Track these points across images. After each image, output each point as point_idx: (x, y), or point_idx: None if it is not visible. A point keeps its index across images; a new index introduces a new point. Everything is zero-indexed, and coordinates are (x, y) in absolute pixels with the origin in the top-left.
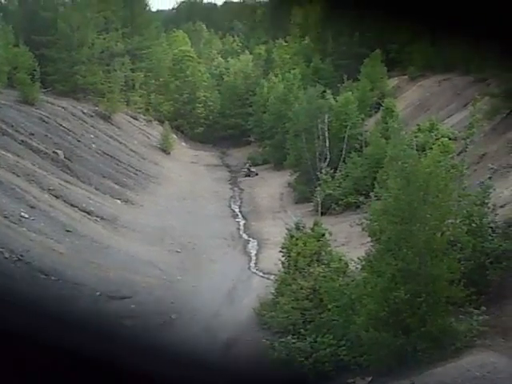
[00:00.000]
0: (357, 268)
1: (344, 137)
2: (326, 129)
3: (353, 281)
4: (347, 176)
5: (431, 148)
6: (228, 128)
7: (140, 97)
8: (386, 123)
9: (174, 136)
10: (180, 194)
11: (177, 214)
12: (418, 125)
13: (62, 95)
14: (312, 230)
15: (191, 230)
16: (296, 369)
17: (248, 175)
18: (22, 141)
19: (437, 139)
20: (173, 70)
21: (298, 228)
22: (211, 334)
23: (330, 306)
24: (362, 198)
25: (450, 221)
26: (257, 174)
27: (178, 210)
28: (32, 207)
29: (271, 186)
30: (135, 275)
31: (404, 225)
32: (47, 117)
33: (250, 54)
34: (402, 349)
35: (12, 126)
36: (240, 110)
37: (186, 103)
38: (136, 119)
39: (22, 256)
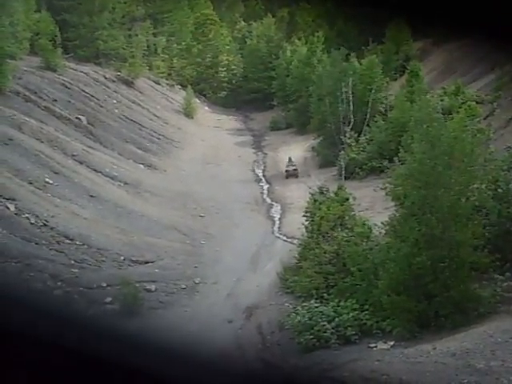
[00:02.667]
0: (380, 233)
1: (368, 100)
2: (350, 92)
3: (376, 245)
4: (371, 140)
5: (457, 112)
6: (251, 92)
7: (162, 61)
8: (411, 86)
9: (197, 100)
10: (203, 159)
11: (200, 178)
12: (443, 88)
13: (84, 61)
14: (335, 194)
15: (214, 195)
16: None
17: (293, 174)
18: (45, 107)
19: (463, 103)
20: (195, 33)
21: (321, 192)
22: (234, 298)
23: (353, 271)
24: (386, 163)
25: (475, 186)
26: (295, 170)
27: (201, 174)
28: (56, 173)
29: (294, 151)
30: (158, 240)
31: (428, 189)
32: (70, 83)
33: (273, 17)
34: (424, 314)
35: (35, 92)
36: (263, 74)
37: (209, 67)
38: (158, 84)
39: (47, 221)
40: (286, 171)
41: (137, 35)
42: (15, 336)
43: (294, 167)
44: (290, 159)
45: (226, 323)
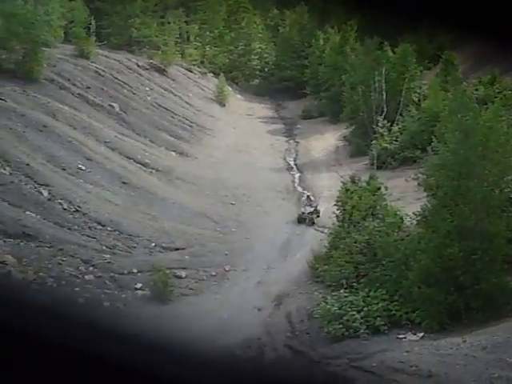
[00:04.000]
0: (412, 223)
1: (401, 89)
2: (383, 81)
3: (407, 236)
4: (404, 130)
5: (492, 102)
6: (283, 80)
7: (195, 49)
8: (446, 76)
9: (229, 88)
10: (235, 147)
11: (231, 166)
12: (478, 77)
13: (117, 48)
14: (367, 183)
15: (246, 183)
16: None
17: (308, 219)
18: (79, 94)
19: (499, 92)
20: (228, 21)
21: (353, 181)
22: (264, 286)
23: (383, 261)
24: (418, 153)
25: (509, 177)
26: (318, 216)
27: (232, 162)
28: (89, 159)
29: (326, 139)
30: (189, 227)
31: (461, 180)
32: (103, 70)
33: (306, 4)
34: (455, 306)
35: (68, 79)
36: (295, 62)
37: (241, 55)
38: (191, 71)
39: (79, 207)
40: (301, 214)
41: (169, 23)
42: (15, 336)
43: (313, 209)
44: (308, 198)
45: (255, 311)
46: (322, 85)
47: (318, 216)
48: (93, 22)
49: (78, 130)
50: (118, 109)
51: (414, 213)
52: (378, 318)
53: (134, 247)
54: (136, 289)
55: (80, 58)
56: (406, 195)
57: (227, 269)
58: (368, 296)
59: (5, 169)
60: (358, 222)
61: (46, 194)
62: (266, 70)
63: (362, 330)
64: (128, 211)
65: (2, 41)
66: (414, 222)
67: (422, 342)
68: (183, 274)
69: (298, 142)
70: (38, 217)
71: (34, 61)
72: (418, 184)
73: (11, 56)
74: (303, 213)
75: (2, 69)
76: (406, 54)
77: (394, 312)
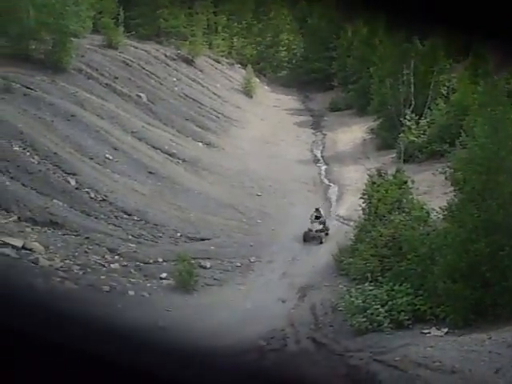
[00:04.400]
0: (438, 218)
1: (430, 82)
2: (412, 74)
3: (433, 230)
4: (432, 123)
5: None
6: (311, 72)
7: (223, 40)
8: (476, 69)
9: (257, 80)
10: (262, 138)
11: (258, 157)
12: (510, 70)
13: (145, 39)
14: (394, 177)
15: (272, 174)
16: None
17: (315, 238)
18: (107, 84)
19: None
20: (255, 12)
21: (379, 175)
22: (289, 278)
23: (408, 255)
24: (446, 147)
25: None
26: (327, 234)
27: (259, 153)
28: (116, 149)
29: (354, 132)
30: (215, 217)
31: (489, 175)
32: (131, 60)
33: None
34: (481, 302)
35: (97, 69)
36: (323, 54)
37: (269, 46)
38: (218, 62)
39: (106, 196)
40: (308, 231)
41: (197, 14)
42: (15, 335)
43: (322, 226)
44: (317, 210)
45: (279, 302)
46: (350, 77)
47: (327, 234)
48: (121, 12)
49: (105, 120)
50: (145, 99)
51: (440, 207)
52: (402, 313)
53: (160, 237)
54: (161, 278)
55: (108, 49)
56: (432, 189)
57: (252, 260)
58: (392, 290)
59: (33, 157)
60: (384, 216)
61: (73, 182)
62: (293, 61)
63: (385, 324)
64: (154, 201)
65: (33, 31)
66: (441, 216)
67: (447, 338)
68: (208, 264)
69: (324, 135)
70: (66, 205)
71: (63, 51)
72: (445, 178)
73: (41, 46)
74: (310, 230)
75: (32, 59)
76: (434, 46)
77: (418, 307)
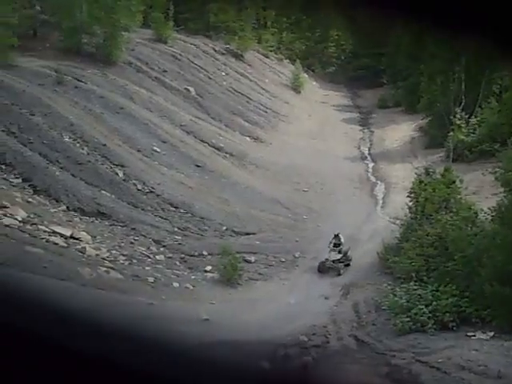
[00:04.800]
0: (486, 218)
1: (481, 80)
2: (463, 71)
3: (481, 231)
4: (483, 122)
5: None
6: (360, 68)
7: (272, 35)
8: None
9: (305, 75)
10: (309, 134)
11: (305, 153)
12: None
13: (195, 33)
14: (442, 176)
15: (319, 170)
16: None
17: (332, 269)
18: (156, 77)
19: None
20: (305, 7)
21: (427, 173)
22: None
23: (455, 256)
24: (497, 146)
25: None
26: (348, 265)
27: (306, 149)
28: (164, 142)
29: (402, 130)
30: (261, 212)
31: None
32: (180, 54)
33: None
34: None
35: (146, 63)
36: (373, 51)
37: (318, 42)
38: (267, 57)
39: (153, 188)
40: (324, 261)
41: (246, 8)
42: (16, 335)
43: (340, 256)
44: (337, 237)
45: (322, 299)
46: (399, 74)
47: (348, 265)
48: (171, 7)
49: (154, 113)
50: (193, 93)
51: (489, 208)
52: (447, 314)
53: (206, 230)
54: (205, 271)
55: (158, 43)
56: (481, 189)
57: (297, 255)
58: (437, 290)
59: (83, 148)
60: (431, 215)
61: (121, 174)
62: (342, 57)
63: (429, 325)
64: (201, 194)
65: (85, 25)
66: (489, 217)
67: (492, 342)
68: (253, 258)
69: (372, 132)
70: (113, 196)
71: (114, 45)
72: (495, 178)
73: (92, 40)
74: (326, 260)
75: (84, 52)
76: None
77: (463, 308)
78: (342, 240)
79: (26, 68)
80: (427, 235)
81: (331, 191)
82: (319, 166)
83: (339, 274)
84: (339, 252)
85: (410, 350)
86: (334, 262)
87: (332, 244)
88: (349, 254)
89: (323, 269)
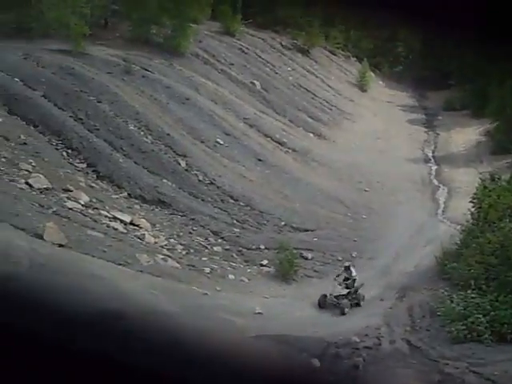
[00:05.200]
0: None
1: None
2: None
3: None
4: None
5: None
6: (428, 69)
7: (340, 32)
8: None
9: (372, 74)
10: (373, 133)
11: (368, 152)
12: None
13: (262, 27)
14: (508, 182)
15: (381, 170)
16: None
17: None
18: (222, 70)
19: None
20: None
21: (492, 179)
22: (389, 276)
23: None
24: None
25: None
26: (358, 305)
27: (369, 148)
28: (227, 134)
29: (468, 133)
30: (321, 209)
31: None
32: (247, 48)
33: None
34: None
35: (213, 55)
36: (441, 51)
37: (387, 41)
38: (334, 54)
39: (214, 180)
40: (327, 295)
41: (315, 5)
42: (16, 335)
43: (347, 292)
44: (347, 270)
45: (377, 300)
46: (468, 77)
47: (358, 305)
48: (240, 0)
49: (218, 105)
50: (259, 87)
51: None
52: (506, 325)
53: (264, 224)
54: (261, 265)
55: (225, 35)
56: None
57: (354, 255)
58: (497, 300)
59: (147, 137)
60: (494, 222)
61: (183, 164)
62: (410, 57)
63: (486, 335)
64: (261, 188)
65: (154, 16)
66: None
67: None
68: (310, 255)
69: (437, 134)
70: (174, 186)
71: (182, 36)
72: None
73: (161, 30)
74: (330, 295)
75: (152, 42)
76: None
77: None
78: (354, 273)
79: (96, 56)
80: (489, 243)
81: (392, 192)
82: (382, 166)
83: (343, 314)
84: (346, 287)
85: (464, 359)
86: (336, 297)
87: (341, 277)
88: (359, 291)
89: (323, 304)
